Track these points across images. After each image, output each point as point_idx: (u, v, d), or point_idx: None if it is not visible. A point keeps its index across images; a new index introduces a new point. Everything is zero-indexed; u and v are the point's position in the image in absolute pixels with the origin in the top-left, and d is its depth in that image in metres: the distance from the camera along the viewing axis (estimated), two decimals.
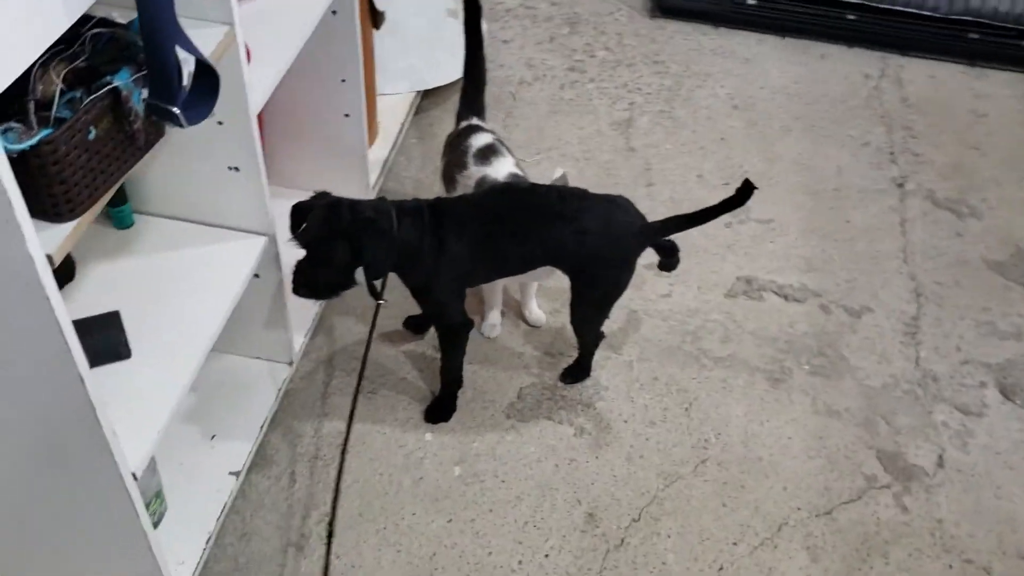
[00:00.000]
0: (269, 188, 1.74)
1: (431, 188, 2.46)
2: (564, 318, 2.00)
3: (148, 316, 1.61)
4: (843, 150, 2.74)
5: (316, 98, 2.16)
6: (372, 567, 1.76)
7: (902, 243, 2.46)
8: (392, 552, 1.78)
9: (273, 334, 1.96)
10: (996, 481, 1.95)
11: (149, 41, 1.19)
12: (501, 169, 1.98)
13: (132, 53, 1.24)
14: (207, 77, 1.29)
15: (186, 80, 1.24)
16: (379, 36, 2.42)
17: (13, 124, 1.12)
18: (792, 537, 1.84)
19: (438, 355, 2.00)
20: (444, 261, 1.78)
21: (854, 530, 1.86)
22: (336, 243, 1.68)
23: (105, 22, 1.26)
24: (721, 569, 1.79)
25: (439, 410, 2.01)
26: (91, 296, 1.64)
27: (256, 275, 1.80)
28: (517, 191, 1.87)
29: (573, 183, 1.96)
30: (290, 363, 2.01)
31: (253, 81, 1.58)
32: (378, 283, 1.77)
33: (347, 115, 2.19)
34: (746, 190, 1.69)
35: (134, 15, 1.20)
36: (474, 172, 1.98)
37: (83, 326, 1.46)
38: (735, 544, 1.82)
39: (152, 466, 1.63)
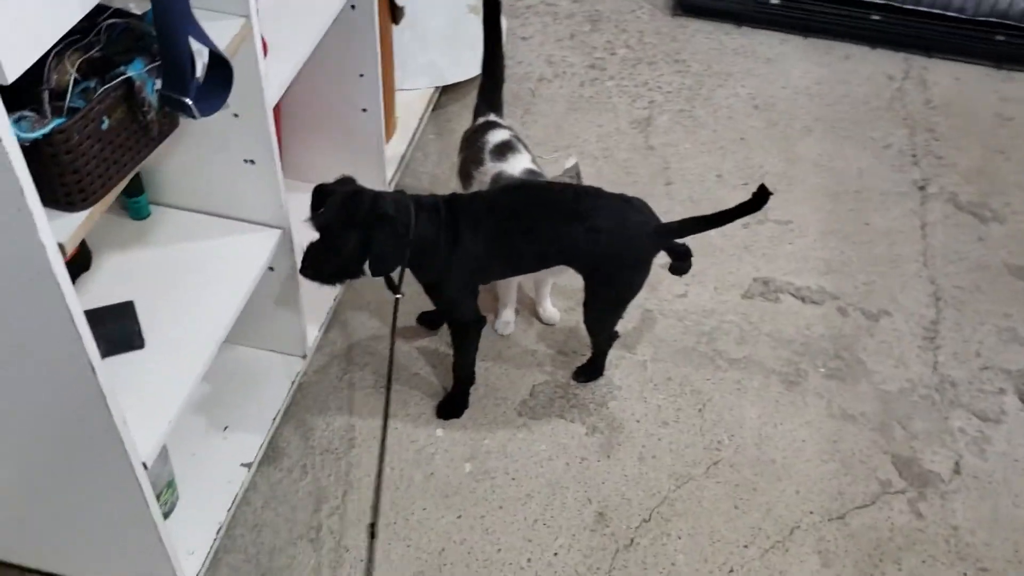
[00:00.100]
0: (285, 181, 1.74)
1: (447, 184, 2.46)
2: (578, 316, 1.99)
3: (162, 307, 1.62)
4: (865, 152, 2.71)
5: (333, 92, 2.17)
6: (381, 560, 1.76)
7: (922, 246, 2.43)
8: (401, 546, 1.78)
9: (287, 327, 1.97)
10: (1014, 489, 1.92)
11: (162, 32, 1.19)
12: (517, 165, 1.97)
13: (146, 44, 1.25)
14: (221, 69, 1.29)
15: (199, 71, 1.25)
16: (399, 31, 2.42)
17: (27, 113, 1.13)
18: (804, 541, 1.82)
19: (451, 351, 2.00)
20: (458, 257, 1.78)
21: (867, 535, 1.84)
22: (349, 232, 1.68)
23: (120, 12, 1.27)
24: (731, 571, 1.77)
25: (451, 406, 2.01)
26: (106, 286, 1.65)
27: (270, 268, 1.80)
28: (532, 188, 1.86)
29: (590, 182, 1.95)
30: (304, 356, 2.02)
31: (269, 74, 1.59)
32: (395, 276, 1.76)
33: (364, 110, 2.19)
34: (762, 195, 1.68)
35: (149, 6, 1.21)
36: (490, 168, 1.98)
37: (97, 315, 1.48)
38: (746, 547, 1.81)
39: (164, 456, 1.64)
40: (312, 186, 1.76)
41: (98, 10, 1.19)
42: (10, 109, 1.04)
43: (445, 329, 2.10)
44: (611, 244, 1.79)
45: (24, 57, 1.01)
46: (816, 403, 2.06)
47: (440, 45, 2.70)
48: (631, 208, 1.81)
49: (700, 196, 2.54)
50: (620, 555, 1.79)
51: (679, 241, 1.87)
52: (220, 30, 1.41)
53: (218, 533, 1.73)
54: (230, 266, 1.71)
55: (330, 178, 1.77)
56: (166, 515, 1.67)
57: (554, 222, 1.79)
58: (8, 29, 0.96)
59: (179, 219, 1.78)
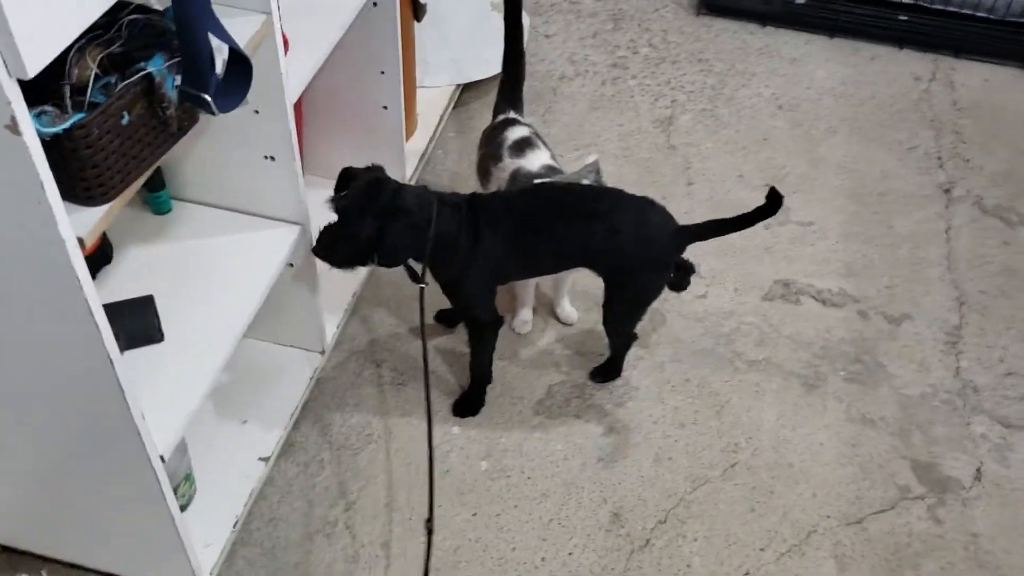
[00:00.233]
0: (305, 178, 1.75)
1: (468, 181, 2.46)
2: (596, 317, 1.98)
3: (182, 301, 1.63)
4: (889, 154, 2.68)
5: (354, 89, 2.17)
6: (396, 557, 1.77)
7: (946, 250, 2.40)
8: (416, 543, 1.78)
9: (306, 322, 1.97)
10: None
11: (182, 28, 1.20)
12: (536, 161, 1.97)
13: (167, 39, 1.25)
14: (240, 65, 1.29)
15: (219, 67, 1.25)
16: (420, 28, 2.42)
17: (47, 108, 1.13)
18: (820, 545, 1.81)
19: (468, 350, 2.00)
20: (477, 256, 1.78)
21: (884, 540, 1.82)
22: (365, 219, 1.68)
23: (141, 8, 1.27)
24: (747, 574, 1.76)
25: (467, 404, 2.01)
26: (127, 280, 1.66)
27: (290, 264, 1.81)
28: (552, 189, 1.86)
29: (611, 181, 1.94)
30: (322, 352, 2.03)
31: (290, 71, 1.59)
32: (417, 267, 1.76)
33: (385, 107, 2.20)
34: (774, 198, 1.68)
35: (170, 2, 1.21)
36: (508, 164, 1.98)
37: (117, 309, 1.49)
38: (762, 550, 1.80)
39: (182, 449, 1.65)
40: (333, 183, 1.76)
41: (119, 6, 1.20)
42: (31, 104, 1.05)
43: (462, 327, 2.10)
44: (631, 245, 1.78)
45: (45, 52, 1.02)
46: (835, 407, 2.04)
47: (462, 42, 2.70)
48: (651, 209, 1.80)
49: (721, 197, 2.52)
50: (635, 556, 1.78)
51: (685, 258, 1.86)
52: (241, 26, 1.42)
53: (235, 526, 1.74)
54: (249, 261, 1.72)
55: None
56: (183, 508, 1.68)
57: (574, 223, 1.78)
58: (30, 24, 0.97)
59: (200, 214, 1.79)
